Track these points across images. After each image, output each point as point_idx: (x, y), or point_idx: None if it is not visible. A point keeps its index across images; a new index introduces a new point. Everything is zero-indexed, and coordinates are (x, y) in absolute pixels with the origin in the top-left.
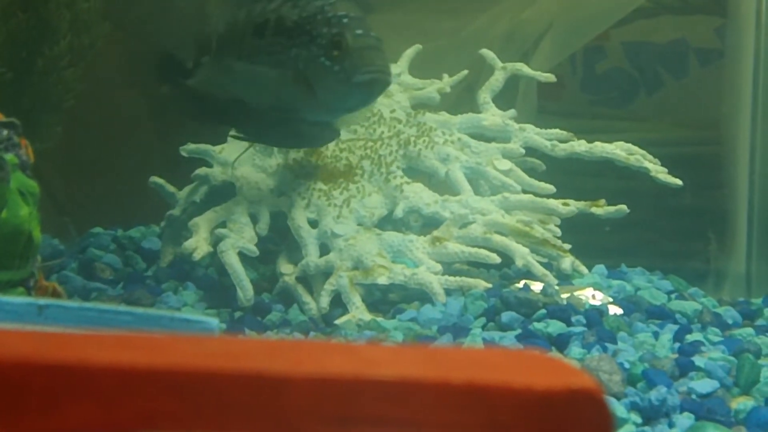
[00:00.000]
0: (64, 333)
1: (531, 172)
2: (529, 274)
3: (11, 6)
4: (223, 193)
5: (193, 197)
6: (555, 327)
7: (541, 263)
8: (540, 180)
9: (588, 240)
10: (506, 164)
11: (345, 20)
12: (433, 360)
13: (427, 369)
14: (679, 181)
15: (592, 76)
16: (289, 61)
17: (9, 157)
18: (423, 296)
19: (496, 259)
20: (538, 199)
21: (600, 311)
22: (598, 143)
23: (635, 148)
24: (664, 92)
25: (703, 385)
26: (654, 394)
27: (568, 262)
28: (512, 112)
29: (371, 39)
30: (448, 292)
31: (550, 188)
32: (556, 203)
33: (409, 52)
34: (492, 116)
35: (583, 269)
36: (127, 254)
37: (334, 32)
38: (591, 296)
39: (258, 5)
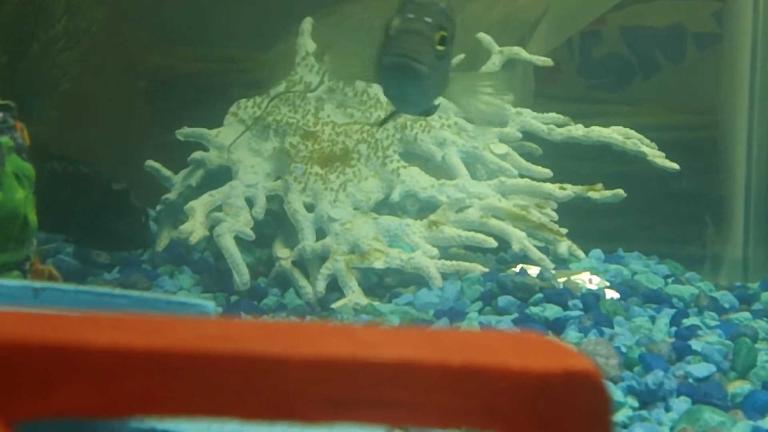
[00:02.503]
0: (60, 314)
1: (528, 156)
2: (526, 258)
3: None
4: (219, 177)
5: (189, 181)
6: (552, 311)
7: (537, 247)
8: (537, 164)
9: (585, 224)
10: (503, 148)
11: (409, 4)
12: (430, 342)
13: (425, 351)
14: (676, 166)
15: (589, 60)
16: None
17: (4, 140)
18: (419, 280)
19: (493, 243)
20: (535, 183)
21: (597, 295)
22: (595, 128)
23: (632, 133)
24: (661, 77)
25: (700, 369)
26: (651, 378)
27: (564, 246)
28: (509, 96)
29: (418, 23)
30: (445, 276)
31: (547, 172)
32: (552, 187)
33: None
34: None
35: (580, 253)
36: None
37: (390, 17)
38: (588, 280)
39: None
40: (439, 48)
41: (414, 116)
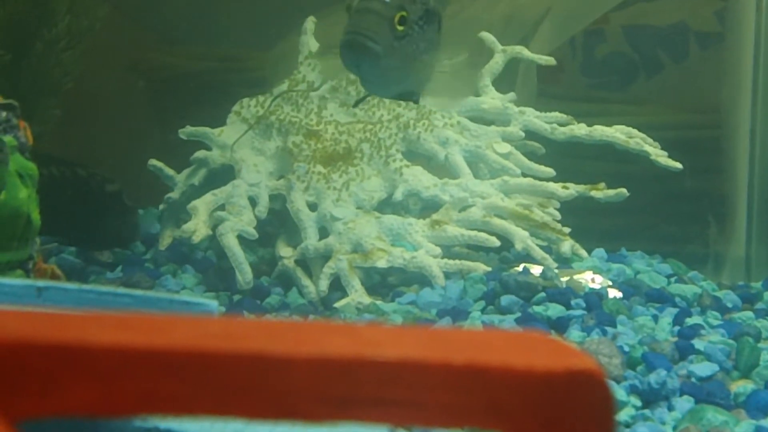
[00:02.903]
0: (63, 313)
1: (530, 155)
2: (529, 258)
3: None
4: (222, 176)
5: (192, 180)
6: (554, 310)
7: (540, 246)
8: (539, 163)
9: (588, 223)
10: (506, 147)
11: None
12: (433, 341)
13: (428, 350)
14: (679, 165)
15: (591, 59)
16: None
17: (8, 139)
18: (422, 279)
19: (496, 242)
20: (538, 182)
21: (599, 294)
22: (597, 127)
23: (635, 132)
24: (663, 76)
25: (703, 369)
26: (654, 378)
27: (567, 245)
28: (512, 95)
29: (375, 3)
30: (448, 275)
31: (550, 171)
32: (555, 186)
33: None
34: (491, 99)
35: (583, 252)
36: None
37: None
38: (590, 279)
39: None
40: (399, 28)
41: (390, 99)
